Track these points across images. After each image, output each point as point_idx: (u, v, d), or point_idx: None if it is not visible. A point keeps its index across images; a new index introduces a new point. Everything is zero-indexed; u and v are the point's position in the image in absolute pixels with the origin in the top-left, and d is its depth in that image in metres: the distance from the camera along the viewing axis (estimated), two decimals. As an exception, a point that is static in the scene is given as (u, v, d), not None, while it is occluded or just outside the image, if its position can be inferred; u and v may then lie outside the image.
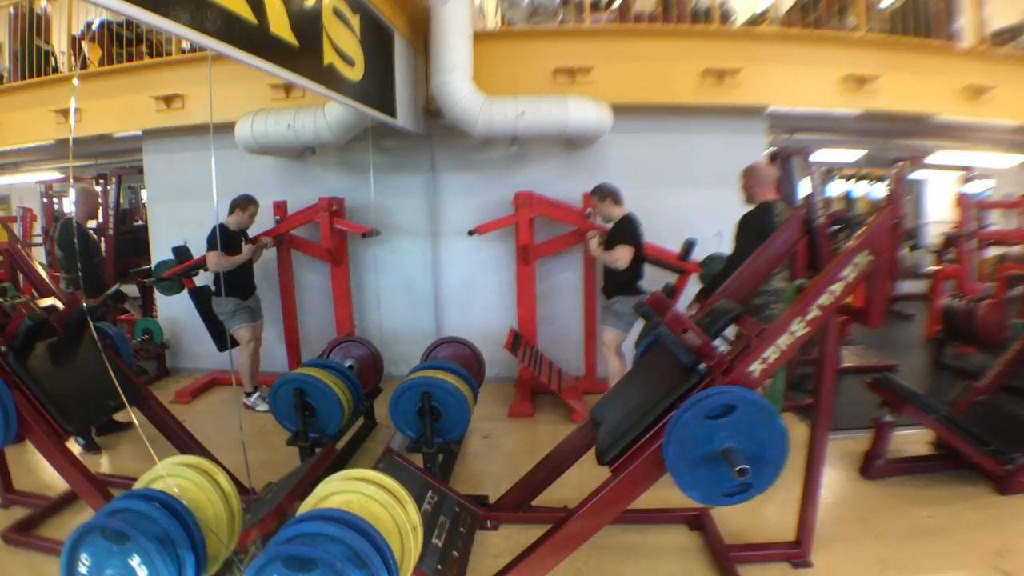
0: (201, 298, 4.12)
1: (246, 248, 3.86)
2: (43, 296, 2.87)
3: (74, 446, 3.13)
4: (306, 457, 2.75)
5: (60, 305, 2.69)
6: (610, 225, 3.64)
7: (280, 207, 4.39)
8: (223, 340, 4.11)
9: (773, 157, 5.32)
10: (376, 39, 3.10)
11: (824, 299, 1.81)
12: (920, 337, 5.57)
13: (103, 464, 3.22)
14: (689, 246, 3.74)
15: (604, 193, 3.61)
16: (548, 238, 4.30)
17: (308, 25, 2.21)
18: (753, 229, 2.85)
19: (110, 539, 1.49)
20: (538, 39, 4.29)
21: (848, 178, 8.24)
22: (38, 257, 5.88)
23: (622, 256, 3.46)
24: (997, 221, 6.54)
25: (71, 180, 6.51)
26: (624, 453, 1.85)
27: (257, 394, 3.98)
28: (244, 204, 3.87)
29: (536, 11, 4.55)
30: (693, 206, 4.08)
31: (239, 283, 3.87)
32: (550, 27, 4.46)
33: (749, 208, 3.03)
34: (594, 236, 3.79)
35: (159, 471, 1.78)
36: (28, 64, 4.75)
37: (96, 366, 2.55)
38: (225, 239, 3.73)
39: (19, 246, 3.39)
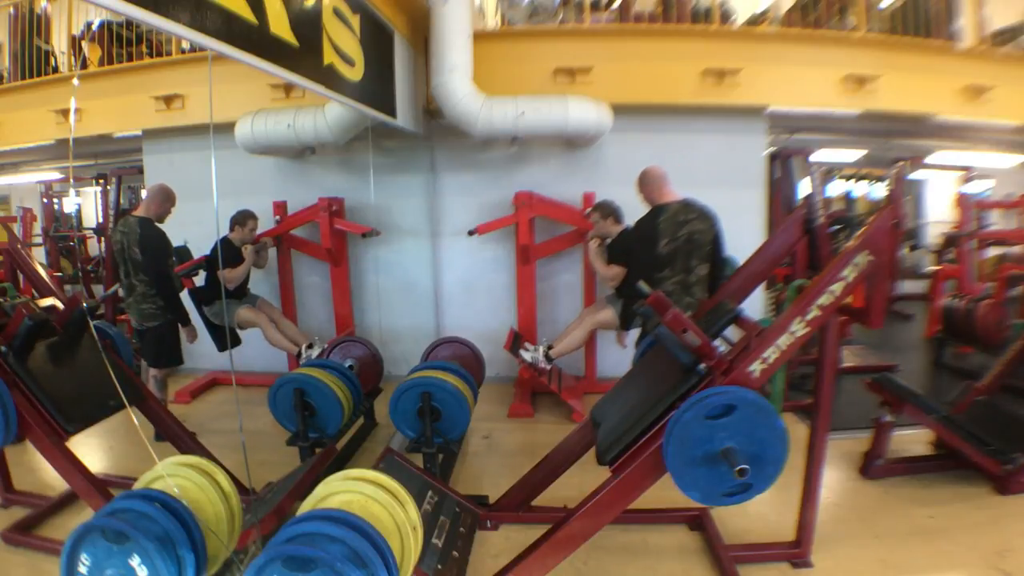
0: (201, 296, 4.12)
1: (247, 254, 3.96)
2: (43, 296, 2.86)
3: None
4: (306, 457, 2.75)
5: (60, 305, 2.69)
6: (608, 240, 3.78)
7: (280, 207, 4.40)
8: (223, 340, 4.12)
9: (773, 157, 5.32)
10: (376, 39, 3.10)
11: (824, 299, 1.81)
12: (920, 337, 5.57)
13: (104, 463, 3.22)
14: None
15: (607, 212, 3.75)
16: (548, 238, 4.29)
17: (308, 25, 2.21)
18: (641, 234, 2.92)
19: (110, 539, 1.49)
20: (538, 39, 4.28)
21: (848, 178, 8.22)
22: (38, 257, 5.88)
23: (613, 275, 3.65)
24: (997, 221, 6.53)
25: (71, 180, 6.51)
26: (624, 453, 1.85)
27: (305, 344, 4.04)
28: (243, 220, 3.98)
29: (536, 11, 4.54)
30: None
31: (223, 289, 3.95)
32: (550, 27, 4.46)
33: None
34: (594, 238, 3.82)
35: (159, 471, 1.78)
36: (28, 64, 4.74)
37: (96, 366, 2.55)
38: (228, 251, 3.90)
39: (19, 246, 3.38)
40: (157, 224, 3.37)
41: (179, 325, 3.49)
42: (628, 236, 3.69)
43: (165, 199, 3.43)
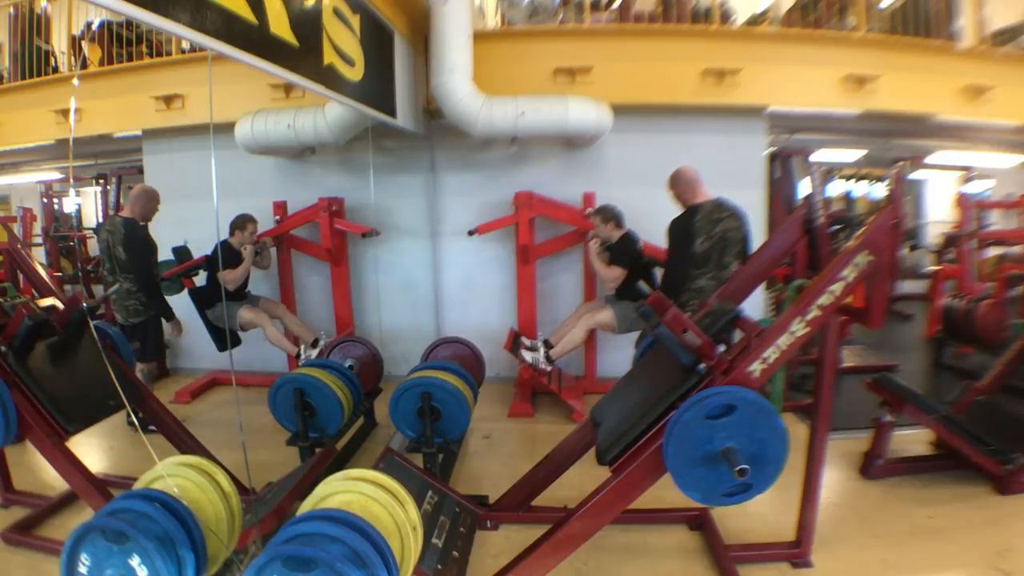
0: (201, 298, 4.13)
1: (247, 254, 3.98)
2: (43, 296, 2.87)
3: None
4: (306, 457, 2.75)
5: (60, 305, 2.69)
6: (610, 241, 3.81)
7: (280, 207, 4.40)
8: (223, 340, 4.13)
9: (773, 157, 5.32)
10: (376, 39, 3.10)
11: (824, 299, 1.81)
12: (920, 337, 5.57)
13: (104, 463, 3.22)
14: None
15: (608, 217, 3.77)
16: (548, 238, 4.30)
17: (308, 25, 2.21)
18: (677, 233, 2.96)
19: (110, 539, 1.49)
20: (538, 39, 4.28)
21: (848, 178, 8.22)
22: (38, 257, 5.88)
23: (613, 277, 3.69)
24: (997, 221, 6.53)
25: (71, 180, 6.51)
26: (624, 453, 1.85)
27: (311, 341, 4.07)
28: (242, 224, 4.02)
29: (536, 11, 4.54)
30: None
31: (224, 292, 4.01)
32: (550, 27, 4.46)
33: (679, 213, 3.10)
34: (594, 238, 3.83)
35: (159, 471, 1.78)
36: (28, 64, 4.74)
37: (96, 366, 2.55)
38: (228, 254, 3.95)
39: (19, 246, 3.38)
40: (142, 224, 3.49)
41: (164, 320, 3.60)
42: (629, 240, 3.72)
43: (148, 199, 3.55)
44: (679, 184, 3.04)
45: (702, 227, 2.87)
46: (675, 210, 3.18)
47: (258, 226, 4.12)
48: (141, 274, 3.40)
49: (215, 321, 4.08)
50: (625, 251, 3.70)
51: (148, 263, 3.47)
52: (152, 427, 2.79)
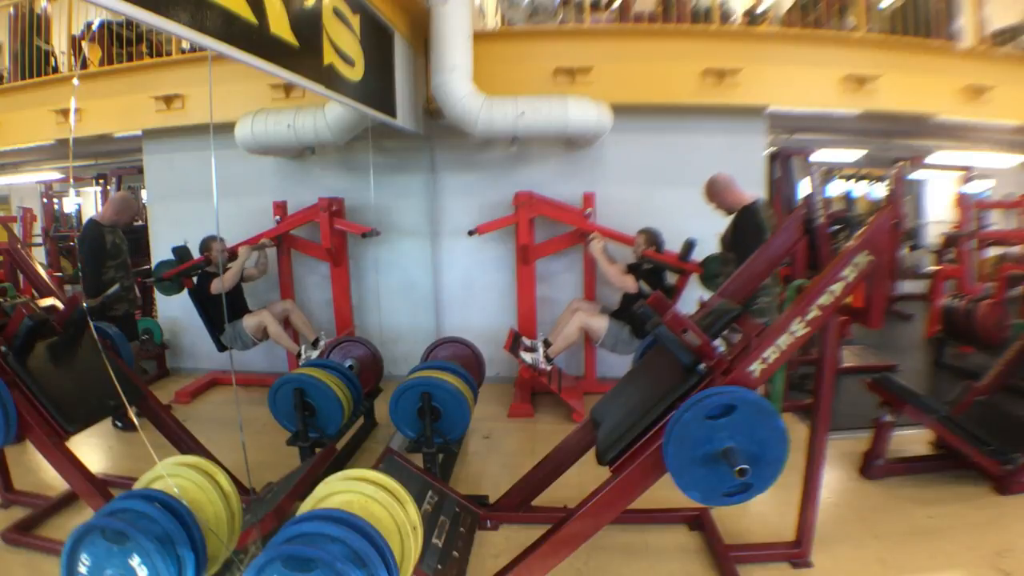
0: (201, 298, 4.13)
1: (241, 252, 3.98)
2: (43, 296, 2.87)
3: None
4: (306, 457, 2.75)
5: (60, 305, 2.69)
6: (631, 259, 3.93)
7: (280, 207, 4.40)
8: (222, 341, 4.14)
9: (773, 157, 5.32)
10: (376, 39, 3.10)
11: (824, 299, 1.81)
12: (920, 337, 5.57)
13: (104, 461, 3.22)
14: (689, 246, 3.75)
15: (651, 241, 3.85)
16: (548, 238, 4.30)
17: (308, 25, 2.20)
18: (755, 229, 3.05)
19: (110, 539, 1.49)
20: (538, 39, 4.28)
21: (848, 178, 8.22)
22: (38, 257, 5.89)
23: (624, 283, 3.76)
24: (997, 221, 6.53)
25: (71, 180, 6.51)
26: (624, 453, 1.85)
27: (304, 346, 4.10)
28: (208, 246, 4.01)
29: (536, 11, 4.55)
30: (693, 206, 4.10)
31: (225, 311, 4.06)
32: (550, 27, 4.46)
33: (732, 216, 3.24)
34: (595, 237, 3.83)
35: (159, 471, 1.78)
36: (28, 64, 4.74)
37: (96, 366, 2.55)
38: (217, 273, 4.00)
39: (19, 246, 3.39)
40: (104, 226, 3.64)
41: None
42: (658, 273, 3.82)
43: (121, 205, 3.78)
44: (723, 188, 3.19)
45: (767, 223, 3.04)
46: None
47: (225, 243, 4.10)
48: (83, 270, 3.60)
49: (228, 343, 4.10)
50: (650, 276, 3.78)
51: (89, 261, 3.61)
52: (119, 423, 2.81)
